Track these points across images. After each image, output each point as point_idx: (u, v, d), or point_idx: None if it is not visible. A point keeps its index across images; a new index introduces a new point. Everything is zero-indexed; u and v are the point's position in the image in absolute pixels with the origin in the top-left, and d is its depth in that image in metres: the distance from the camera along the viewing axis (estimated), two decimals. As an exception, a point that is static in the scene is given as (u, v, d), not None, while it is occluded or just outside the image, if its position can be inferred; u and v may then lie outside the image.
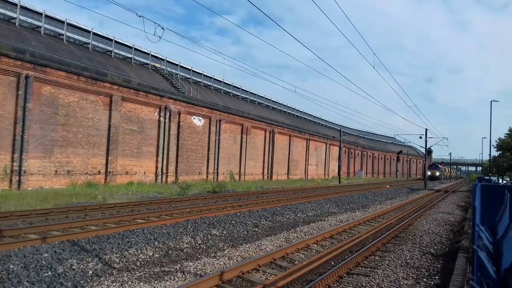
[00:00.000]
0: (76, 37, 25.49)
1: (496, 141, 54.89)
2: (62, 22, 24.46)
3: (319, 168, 54.71)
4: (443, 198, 26.96)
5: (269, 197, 20.24)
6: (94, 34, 26.62)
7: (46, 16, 23.50)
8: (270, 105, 47.76)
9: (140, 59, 30.44)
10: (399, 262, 7.98)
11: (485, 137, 71.64)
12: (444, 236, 11.40)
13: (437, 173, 70.04)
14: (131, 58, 29.48)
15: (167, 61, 32.65)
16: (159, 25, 12.81)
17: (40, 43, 21.28)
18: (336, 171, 51.26)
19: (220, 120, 33.11)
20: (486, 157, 71.23)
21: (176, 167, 28.40)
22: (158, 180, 26.77)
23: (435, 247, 9.74)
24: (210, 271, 6.86)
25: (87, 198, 16.17)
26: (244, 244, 9.35)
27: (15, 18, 21.74)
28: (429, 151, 71.59)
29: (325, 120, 63.77)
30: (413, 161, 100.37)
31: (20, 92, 18.47)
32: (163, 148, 27.24)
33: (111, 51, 27.81)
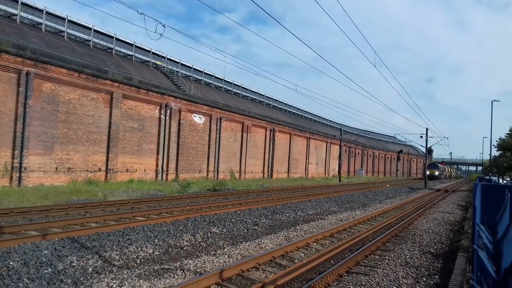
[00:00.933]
0: (77, 34, 25.46)
1: (496, 141, 54.83)
2: (63, 19, 24.43)
3: (320, 166, 54.71)
4: (443, 197, 26.95)
5: (269, 196, 20.24)
6: (95, 31, 26.60)
7: (47, 13, 23.47)
8: (270, 103, 47.73)
9: (141, 56, 30.42)
10: (399, 261, 7.98)
11: (486, 137, 71.63)
12: (444, 236, 11.39)
13: (436, 173, 69.50)
14: (132, 55, 29.47)
15: (168, 59, 32.63)
16: (160, 23, 12.80)
17: (41, 40, 21.27)
18: (337, 170, 51.26)
19: (220, 118, 33.10)
20: (486, 157, 71.21)
21: (177, 164, 28.42)
22: (159, 177, 26.78)
23: (435, 247, 9.74)
24: (210, 269, 6.86)
25: (88, 195, 16.18)
26: (244, 242, 9.35)
27: (16, 15, 21.72)
28: (429, 151, 71.65)
29: (326, 119, 63.74)
30: (414, 161, 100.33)
31: (21, 89, 18.47)
32: (163, 145, 27.25)
33: (112, 49, 27.79)
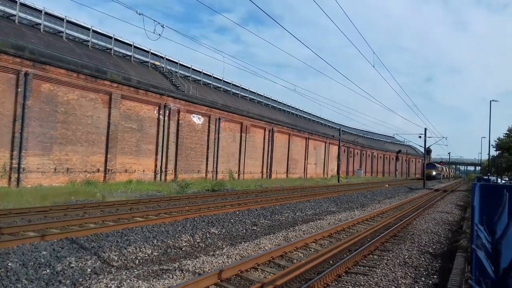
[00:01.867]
0: (76, 34, 25.43)
1: (495, 141, 54.90)
2: (62, 19, 24.40)
3: (318, 167, 54.74)
4: (441, 197, 27.00)
5: (268, 196, 20.24)
6: (94, 31, 26.56)
7: (46, 13, 23.43)
8: (269, 103, 47.72)
9: (139, 57, 30.39)
10: (398, 261, 7.99)
11: (484, 137, 71.86)
12: (442, 236, 11.41)
13: (434, 173, 68.21)
14: (131, 56, 29.43)
15: (167, 59, 32.60)
16: (159, 23, 12.79)
17: (39, 40, 21.23)
18: (335, 170, 51.28)
19: (219, 119, 33.09)
20: (485, 157, 71.31)
21: (175, 165, 28.40)
22: (157, 178, 26.76)
23: (434, 247, 9.75)
24: (209, 269, 6.86)
25: (86, 196, 16.16)
26: (243, 242, 9.35)
27: (15, 15, 21.67)
28: (428, 151, 71.64)
29: (325, 119, 63.78)
30: (412, 161, 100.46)
31: (19, 89, 18.44)
32: (162, 146, 27.23)
33: (110, 49, 27.76)
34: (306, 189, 28.18)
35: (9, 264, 6.27)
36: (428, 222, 14.10)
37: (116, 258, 7.37)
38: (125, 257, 7.50)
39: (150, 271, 6.58)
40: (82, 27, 25.96)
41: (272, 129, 41.30)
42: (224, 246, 8.97)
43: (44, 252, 7.01)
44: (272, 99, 48.51)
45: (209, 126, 32.01)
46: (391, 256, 8.42)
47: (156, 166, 26.89)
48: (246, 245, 9.02)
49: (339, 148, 47.87)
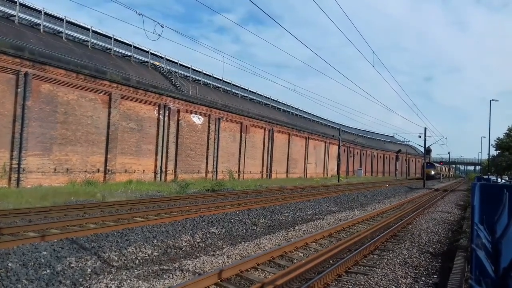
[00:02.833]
0: (76, 35, 25.44)
1: (495, 140, 54.99)
2: (62, 19, 24.41)
3: (318, 167, 54.75)
4: (441, 197, 27.00)
5: (268, 196, 20.24)
6: (94, 32, 26.57)
7: (45, 13, 23.45)
8: (269, 103, 47.74)
9: (139, 57, 30.40)
10: (398, 261, 7.99)
11: (484, 137, 71.87)
12: (442, 235, 11.41)
13: (432, 172, 67.28)
14: (131, 56, 29.44)
15: (167, 59, 32.61)
16: (159, 23, 12.79)
17: (39, 40, 21.23)
18: (335, 170, 51.28)
19: (219, 119, 33.09)
20: (485, 157, 71.34)
21: (175, 165, 28.39)
22: (157, 178, 26.76)
23: (434, 246, 9.75)
24: (209, 269, 6.86)
25: (86, 196, 16.15)
26: (243, 242, 9.35)
27: (14, 16, 21.69)
28: (428, 150, 71.57)
29: (324, 119, 63.78)
30: (412, 160, 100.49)
31: (19, 89, 18.43)
32: (162, 146, 27.23)
33: (110, 49, 27.76)
34: (306, 188, 28.17)
35: (9, 265, 6.27)
36: (428, 221, 14.10)
37: (116, 258, 7.37)
38: (125, 257, 7.50)
39: (150, 271, 6.59)
40: (82, 27, 25.97)
41: (272, 129, 41.30)
42: (224, 246, 8.97)
43: (44, 252, 7.01)
44: (271, 99, 48.53)
45: (209, 126, 32.02)
46: (391, 255, 8.42)
47: (156, 166, 26.89)
48: (246, 245, 9.02)
49: (339, 148, 47.86)
